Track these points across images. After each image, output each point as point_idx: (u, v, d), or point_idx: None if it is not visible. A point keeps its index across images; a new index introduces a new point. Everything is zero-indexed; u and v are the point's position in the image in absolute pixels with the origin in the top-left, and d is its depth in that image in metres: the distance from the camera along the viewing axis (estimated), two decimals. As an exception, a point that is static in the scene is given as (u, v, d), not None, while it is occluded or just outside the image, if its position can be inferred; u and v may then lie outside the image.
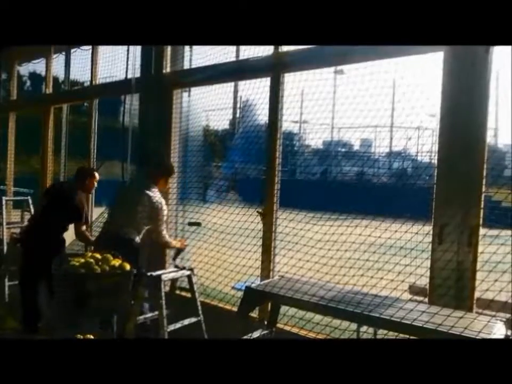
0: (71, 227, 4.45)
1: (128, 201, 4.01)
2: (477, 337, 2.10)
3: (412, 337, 2.36)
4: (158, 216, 3.89)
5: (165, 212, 3.97)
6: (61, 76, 6.91)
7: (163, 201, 3.98)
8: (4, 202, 5.80)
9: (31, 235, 4.44)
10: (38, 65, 7.40)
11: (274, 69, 3.83)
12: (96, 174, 4.63)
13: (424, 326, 2.26)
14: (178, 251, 4.06)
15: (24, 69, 8.22)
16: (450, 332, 2.17)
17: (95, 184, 4.62)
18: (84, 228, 4.41)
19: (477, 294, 2.73)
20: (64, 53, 6.67)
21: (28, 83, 9.15)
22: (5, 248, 5.56)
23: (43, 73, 7.06)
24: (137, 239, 3.93)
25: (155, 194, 3.94)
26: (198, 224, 4.15)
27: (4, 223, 5.74)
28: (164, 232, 3.95)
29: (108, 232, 4.04)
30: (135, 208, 3.88)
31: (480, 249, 2.73)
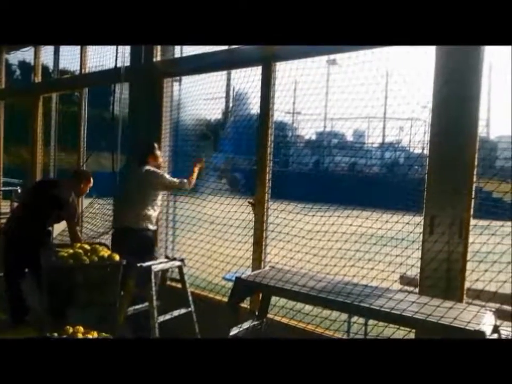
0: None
1: (132, 192, 4.03)
2: (476, 337, 2.09)
3: (401, 327, 2.36)
4: (163, 179, 4.03)
5: (165, 174, 4.14)
6: (50, 65, 6.80)
7: (157, 169, 4.15)
8: (-8, 192, 5.73)
9: (17, 226, 4.37)
10: (26, 54, 7.28)
11: (265, 58, 3.79)
12: (91, 179, 4.60)
13: (414, 316, 2.26)
14: (200, 170, 4.19)
15: (13, 58, 8.09)
16: (440, 322, 2.17)
17: (88, 189, 4.61)
18: (77, 228, 4.41)
19: (467, 284, 2.74)
20: (53, 41, 6.56)
21: (17, 72, 9.01)
22: (-6, 238, 5.49)
23: (32, 62, 6.94)
24: (151, 227, 4.00)
25: (148, 168, 4.07)
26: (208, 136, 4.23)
27: (-7, 214, 5.68)
28: (178, 180, 4.08)
29: (121, 228, 4.04)
30: (141, 195, 3.96)
31: (470, 239, 2.73)
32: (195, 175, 4.18)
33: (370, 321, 2.82)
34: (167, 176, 4.11)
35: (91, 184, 4.59)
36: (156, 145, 4.32)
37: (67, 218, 4.27)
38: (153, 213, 4.00)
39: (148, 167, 4.09)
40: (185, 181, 4.11)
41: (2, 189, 6.95)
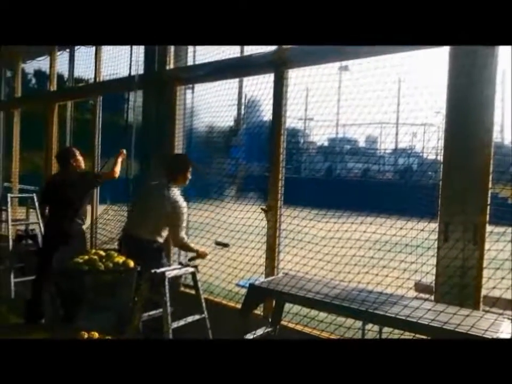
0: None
1: (148, 202, 3.88)
2: (479, 337, 2.08)
3: (417, 335, 2.35)
4: (176, 218, 3.72)
5: (184, 213, 3.78)
6: (65, 73, 6.92)
7: (183, 202, 3.80)
8: (9, 199, 5.81)
9: (50, 229, 4.49)
10: (42, 63, 7.41)
11: (277, 65, 3.81)
12: (77, 152, 4.63)
13: (430, 324, 2.24)
14: (197, 256, 3.81)
15: (29, 66, 8.24)
16: (456, 330, 2.15)
17: (82, 162, 4.65)
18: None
19: (483, 292, 2.71)
20: (68, 50, 6.67)
21: (32, 80, 9.17)
22: (10, 245, 5.58)
23: (47, 71, 7.06)
24: (160, 240, 3.86)
25: (174, 194, 3.78)
26: (226, 245, 3.90)
27: (9, 220, 5.76)
28: (182, 234, 3.78)
29: (129, 235, 3.94)
30: (155, 210, 3.77)
31: (486, 246, 2.70)
32: (191, 249, 3.81)
33: (385, 329, 2.80)
34: (182, 218, 3.75)
35: (80, 157, 4.62)
36: (188, 162, 3.98)
37: (85, 187, 4.44)
38: (163, 230, 3.85)
39: (174, 190, 3.80)
40: (184, 241, 3.76)
41: (19, 195, 7.05)
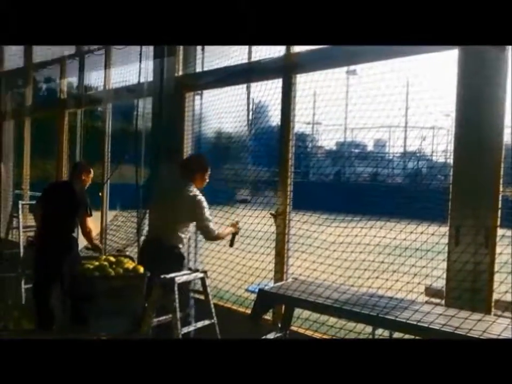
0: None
1: (168, 206, 3.80)
2: (481, 338, 2.06)
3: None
4: (201, 214, 3.68)
5: (206, 207, 3.74)
6: (75, 81, 6.99)
7: (202, 197, 3.77)
8: (20, 206, 5.87)
9: (42, 236, 4.53)
10: (52, 71, 7.50)
11: (286, 70, 3.82)
12: (91, 170, 4.72)
13: (442, 329, 2.21)
14: (234, 235, 3.87)
15: (39, 74, 8.34)
16: (468, 335, 2.13)
17: (90, 180, 4.70)
18: (88, 220, 4.48)
19: (495, 296, 2.68)
20: (78, 58, 6.75)
21: (43, 88, 9.27)
22: (22, 251, 5.62)
23: (57, 79, 7.15)
24: (182, 246, 3.83)
25: (194, 192, 3.75)
26: (246, 200, 3.95)
27: (21, 227, 5.81)
28: (211, 226, 3.74)
29: (151, 242, 3.91)
30: (179, 211, 3.72)
31: (498, 250, 2.67)
32: (225, 234, 3.84)
33: (396, 334, 2.78)
34: (207, 211, 3.72)
35: (91, 175, 4.69)
36: (207, 163, 3.94)
37: (77, 210, 4.38)
38: (185, 234, 3.83)
39: (193, 189, 3.76)
40: (216, 232, 3.76)
41: (30, 202, 7.11)
